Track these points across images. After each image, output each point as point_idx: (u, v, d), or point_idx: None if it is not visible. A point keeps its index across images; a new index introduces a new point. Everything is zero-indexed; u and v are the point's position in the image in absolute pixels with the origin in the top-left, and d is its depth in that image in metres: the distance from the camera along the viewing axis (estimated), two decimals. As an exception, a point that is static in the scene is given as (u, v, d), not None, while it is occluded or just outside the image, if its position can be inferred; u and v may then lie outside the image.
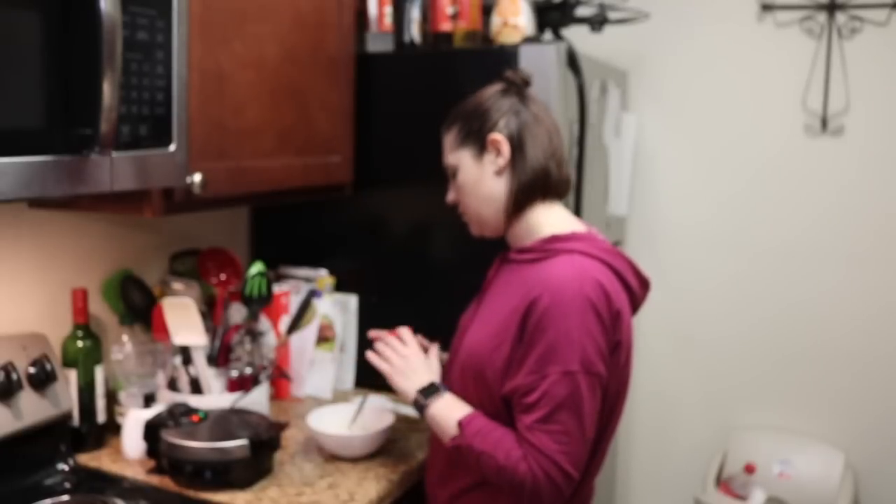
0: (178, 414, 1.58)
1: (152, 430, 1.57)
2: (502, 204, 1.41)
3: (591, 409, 1.28)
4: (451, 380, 1.46)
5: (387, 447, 1.72)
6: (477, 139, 1.41)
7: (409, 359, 1.48)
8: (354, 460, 1.66)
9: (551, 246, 1.37)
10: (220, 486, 1.51)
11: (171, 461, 1.53)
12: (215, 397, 1.72)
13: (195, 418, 1.58)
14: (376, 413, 1.76)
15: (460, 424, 1.33)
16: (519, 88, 1.44)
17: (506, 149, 1.39)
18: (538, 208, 1.41)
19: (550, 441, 1.24)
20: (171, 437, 1.52)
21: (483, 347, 1.37)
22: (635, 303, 1.42)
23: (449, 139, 1.46)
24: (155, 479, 1.56)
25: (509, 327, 1.33)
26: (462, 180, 1.44)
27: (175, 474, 1.54)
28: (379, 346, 1.52)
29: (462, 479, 1.41)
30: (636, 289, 1.41)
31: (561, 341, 1.25)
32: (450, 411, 1.37)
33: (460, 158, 1.43)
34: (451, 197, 1.49)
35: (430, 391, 1.41)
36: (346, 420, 1.75)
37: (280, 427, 1.66)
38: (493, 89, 1.45)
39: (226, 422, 1.60)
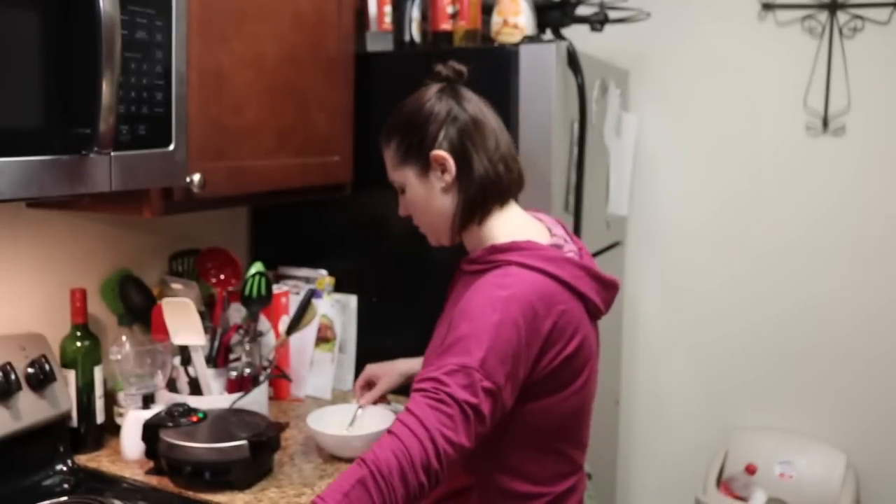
0: (178, 414, 1.58)
1: (151, 431, 1.56)
2: (454, 219, 1.36)
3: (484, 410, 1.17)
4: None
5: (387, 448, 1.71)
6: (418, 156, 1.35)
7: None
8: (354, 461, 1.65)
9: (491, 257, 1.31)
10: (220, 486, 1.50)
11: (170, 462, 1.52)
12: (215, 398, 1.72)
13: (194, 418, 1.58)
14: (376, 413, 1.75)
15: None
16: (453, 87, 1.39)
17: (451, 164, 1.33)
18: (494, 215, 1.36)
19: (434, 418, 1.13)
20: (170, 437, 1.52)
21: (429, 359, 1.35)
22: (596, 309, 1.33)
23: (389, 155, 1.41)
24: (153, 480, 1.55)
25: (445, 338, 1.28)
26: (411, 198, 1.39)
27: (174, 475, 1.53)
28: None
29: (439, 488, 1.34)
30: (594, 294, 1.31)
31: (467, 339, 1.18)
32: None
33: (405, 176, 1.38)
34: (402, 212, 1.44)
35: None
36: (345, 420, 1.74)
37: (280, 427, 1.66)
38: (429, 92, 1.39)
39: (225, 422, 1.59)
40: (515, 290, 1.22)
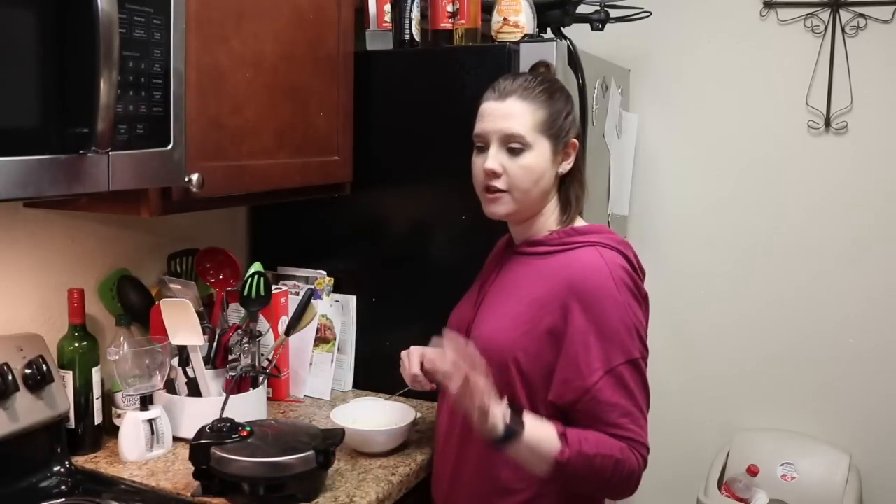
0: (224, 430, 1.50)
1: (202, 450, 1.47)
2: (553, 204, 1.42)
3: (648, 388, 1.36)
4: None
5: (386, 449, 1.71)
6: (559, 136, 1.38)
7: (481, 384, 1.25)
8: (359, 458, 1.66)
9: (571, 239, 1.38)
10: (286, 500, 1.45)
11: (242, 481, 1.44)
12: (213, 398, 1.71)
13: (244, 433, 1.50)
14: (399, 410, 1.76)
15: (563, 436, 1.26)
16: None
17: (573, 157, 1.41)
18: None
19: (639, 429, 1.34)
20: (235, 454, 1.43)
21: (504, 337, 1.35)
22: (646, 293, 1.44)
23: (531, 114, 1.36)
24: (151, 482, 1.54)
25: (537, 320, 1.32)
26: (530, 164, 1.36)
27: (238, 494, 1.46)
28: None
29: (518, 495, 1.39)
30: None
31: (619, 331, 1.29)
32: (542, 428, 1.27)
33: (539, 143, 1.36)
34: (495, 166, 1.37)
35: (515, 415, 1.25)
36: (369, 416, 1.76)
37: (341, 434, 1.57)
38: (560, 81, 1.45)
39: (280, 434, 1.53)
40: (618, 267, 1.32)
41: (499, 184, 1.38)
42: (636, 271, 1.38)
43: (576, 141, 1.41)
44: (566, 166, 1.41)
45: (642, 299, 1.36)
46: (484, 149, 1.39)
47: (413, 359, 1.59)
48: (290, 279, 2.09)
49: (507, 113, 1.36)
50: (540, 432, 1.26)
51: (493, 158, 1.37)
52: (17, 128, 1.09)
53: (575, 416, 1.32)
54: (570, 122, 1.40)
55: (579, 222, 1.45)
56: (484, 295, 1.47)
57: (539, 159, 1.36)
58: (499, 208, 1.40)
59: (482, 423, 1.22)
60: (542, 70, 1.49)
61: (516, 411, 1.25)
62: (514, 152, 1.36)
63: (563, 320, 1.29)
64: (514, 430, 1.22)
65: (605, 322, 1.28)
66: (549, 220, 1.43)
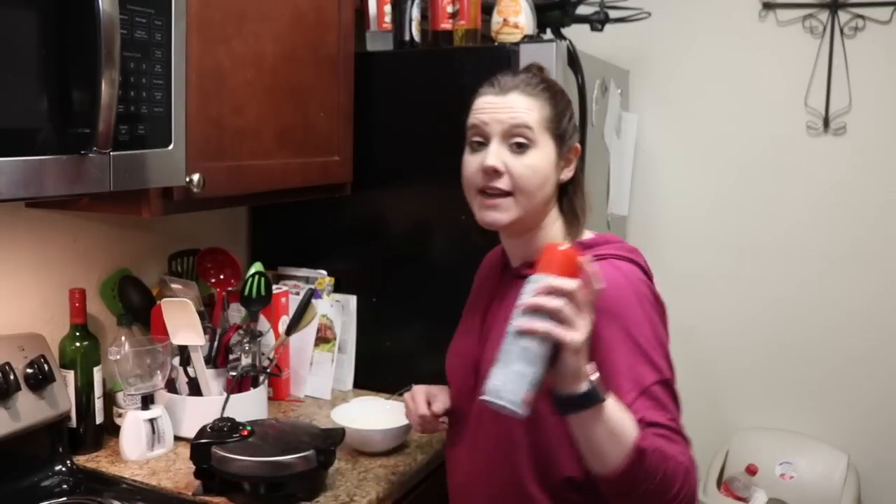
0: (225, 429, 1.50)
1: (203, 449, 1.47)
2: (553, 216, 1.27)
3: None
4: (476, 417, 1.30)
5: (386, 448, 1.72)
6: (565, 139, 1.25)
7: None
8: (359, 458, 1.66)
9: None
10: (286, 500, 1.45)
11: (243, 480, 1.45)
12: (214, 398, 1.71)
13: (245, 432, 1.51)
14: (399, 409, 1.77)
15: (641, 423, 1.10)
16: None
17: (574, 165, 1.28)
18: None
19: (685, 443, 1.22)
20: (238, 454, 1.44)
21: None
22: None
23: (541, 109, 1.22)
24: (152, 481, 1.55)
25: None
26: (536, 164, 1.21)
27: (238, 493, 1.46)
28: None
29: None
30: None
31: (646, 349, 1.14)
32: (622, 408, 1.08)
33: (545, 142, 1.22)
34: (497, 163, 1.20)
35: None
36: (369, 415, 1.76)
37: (340, 434, 1.57)
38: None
39: (283, 433, 1.54)
40: (636, 280, 1.22)
41: (501, 184, 1.20)
42: (651, 281, 1.28)
43: (578, 146, 1.28)
44: (567, 174, 1.26)
45: (662, 310, 1.23)
46: (481, 145, 1.23)
47: (419, 399, 1.43)
48: (290, 279, 2.09)
49: (510, 105, 1.21)
50: (621, 411, 1.06)
51: (495, 155, 1.19)
52: (19, 128, 1.10)
53: None
54: (572, 125, 1.27)
55: (586, 235, 1.31)
56: (489, 327, 1.30)
57: (545, 161, 1.21)
58: (500, 216, 1.22)
59: (570, 361, 0.98)
60: (535, 71, 1.32)
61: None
62: (519, 148, 1.20)
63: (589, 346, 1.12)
64: (596, 392, 1.01)
65: (631, 340, 1.14)
66: (549, 234, 1.26)
